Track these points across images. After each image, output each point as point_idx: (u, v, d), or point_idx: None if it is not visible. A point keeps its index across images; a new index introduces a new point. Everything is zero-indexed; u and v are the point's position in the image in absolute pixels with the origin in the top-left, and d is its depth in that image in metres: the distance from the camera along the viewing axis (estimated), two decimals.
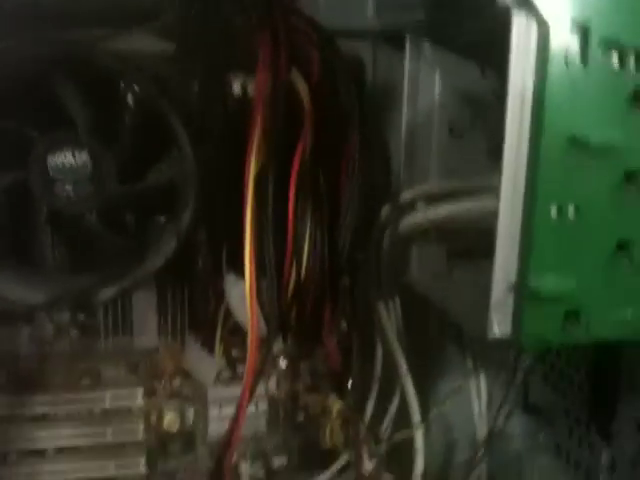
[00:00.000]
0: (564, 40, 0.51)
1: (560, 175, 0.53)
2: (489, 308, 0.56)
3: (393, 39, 0.77)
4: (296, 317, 0.65)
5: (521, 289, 0.55)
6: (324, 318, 0.67)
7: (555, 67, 0.51)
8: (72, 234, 0.62)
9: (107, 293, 0.59)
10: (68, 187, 0.60)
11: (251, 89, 0.72)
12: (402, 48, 0.76)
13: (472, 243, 0.76)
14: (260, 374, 0.61)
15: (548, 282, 0.54)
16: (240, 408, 0.61)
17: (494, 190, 0.64)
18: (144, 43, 0.69)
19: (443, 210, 0.70)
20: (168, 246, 0.60)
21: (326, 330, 0.68)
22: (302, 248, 0.63)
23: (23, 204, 0.61)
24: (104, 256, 0.63)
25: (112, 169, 0.61)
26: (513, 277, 0.56)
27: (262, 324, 0.63)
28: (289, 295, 0.63)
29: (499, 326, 0.56)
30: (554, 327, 0.55)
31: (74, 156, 0.60)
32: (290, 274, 0.63)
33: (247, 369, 0.60)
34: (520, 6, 0.51)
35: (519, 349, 0.78)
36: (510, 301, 0.56)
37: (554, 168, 0.53)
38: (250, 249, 0.60)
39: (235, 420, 0.61)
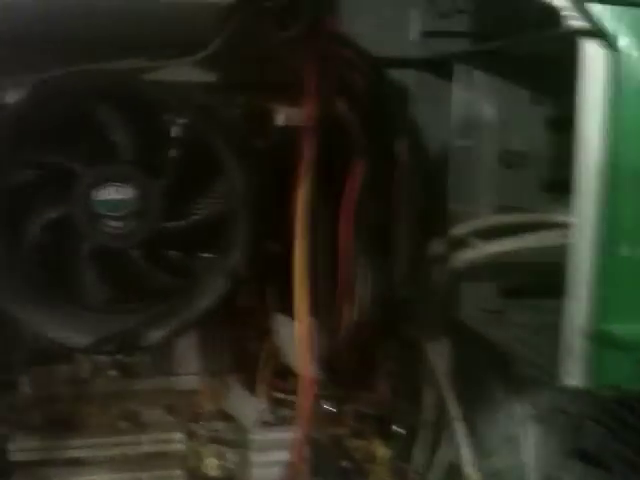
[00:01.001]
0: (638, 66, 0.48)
1: (633, 210, 0.50)
2: (560, 355, 0.52)
3: (436, 66, 0.75)
4: (348, 359, 0.62)
5: (594, 335, 0.51)
6: (376, 360, 0.64)
7: (628, 96, 0.48)
8: (116, 271, 0.60)
9: (155, 335, 0.57)
10: (113, 222, 0.58)
11: (295, 119, 0.70)
12: (446, 75, 0.74)
13: (527, 280, 0.73)
14: (313, 417, 0.58)
15: (622, 326, 0.51)
16: (296, 452, 0.57)
17: (554, 226, 0.61)
18: (187, 74, 0.67)
19: (499, 246, 0.67)
20: (218, 285, 0.57)
21: (378, 373, 0.65)
22: (356, 286, 0.60)
23: (66, 240, 0.59)
24: (149, 295, 0.60)
25: (158, 203, 0.59)
26: (585, 322, 0.52)
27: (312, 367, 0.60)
28: (342, 337, 0.60)
29: (571, 374, 0.52)
30: (631, 374, 0.51)
31: (119, 190, 0.58)
32: (343, 314, 0.60)
33: (300, 413, 0.56)
34: (589, 30, 0.48)
35: (593, 398, 0.73)
36: (582, 347, 0.52)
37: (626, 203, 0.50)
38: (301, 288, 0.57)
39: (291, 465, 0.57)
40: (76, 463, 0.76)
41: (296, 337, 0.60)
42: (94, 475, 0.76)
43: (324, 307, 0.60)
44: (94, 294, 0.59)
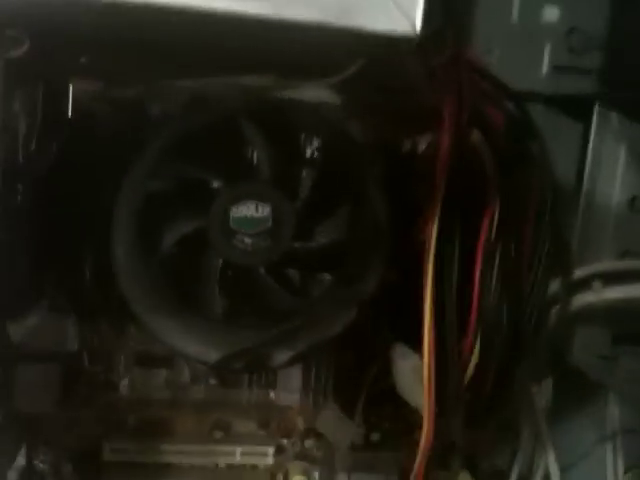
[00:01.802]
0: None
1: None
2: None
3: (568, 103, 0.74)
4: (470, 399, 0.60)
5: None
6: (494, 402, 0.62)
7: None
8: (240, 288, 0.59)
9: (282, 357, 0.56)
10: (246, 239, 0.57)
11: (421, 148, 0.69)
12: (578, 113, 0.72)
13: None
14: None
15: None
16: None
17: None
18: (315, 94, 0.66)
19: (624, 292, 0.65)
20: (347, 312, 0.56)
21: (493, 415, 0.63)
22: (486, 326, 0.59)
23: (196, 252, 0.58)
24: (269, 313, 0.59)
25: (291, 224, 0.58)
26: None
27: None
28: (467, 376, 0.59)
29: None
30: None
31: (255, 208, 0.57)
32: (471, 354, 0.59)
33: (422, 450, 0.56)
34: None
35: None
36: None
37: None
38: (430, 324, 0.56)
39: None
40: (165, 468, 0.76)
41: (415, 371, 0.59)
42: None
43: (446, 345, 0.59)
44: (217, 307, 0.58)
